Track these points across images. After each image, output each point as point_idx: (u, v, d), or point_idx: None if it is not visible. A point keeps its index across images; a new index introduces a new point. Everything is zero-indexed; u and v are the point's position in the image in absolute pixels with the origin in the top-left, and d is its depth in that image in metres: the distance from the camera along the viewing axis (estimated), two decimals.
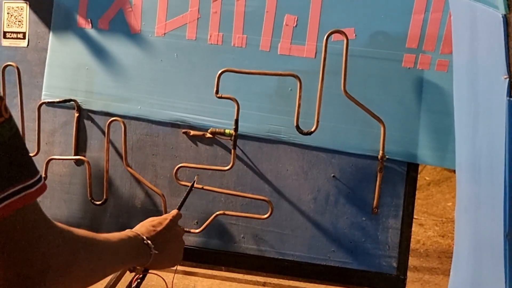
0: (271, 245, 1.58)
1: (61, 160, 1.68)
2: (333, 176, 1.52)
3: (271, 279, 1.91)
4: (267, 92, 1.52)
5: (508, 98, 0.73)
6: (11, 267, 0.56)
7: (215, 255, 1.62)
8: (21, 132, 1.62)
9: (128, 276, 1.08)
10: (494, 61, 0.79)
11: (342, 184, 1.51)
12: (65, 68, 1.66)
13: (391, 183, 1.48)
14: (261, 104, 1.52)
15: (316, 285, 1.60)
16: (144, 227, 0.92)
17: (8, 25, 1.70)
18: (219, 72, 1.43)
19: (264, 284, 2.05)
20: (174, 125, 1.61)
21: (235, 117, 1.46)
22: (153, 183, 1.62)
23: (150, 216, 0.98)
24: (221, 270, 1.75)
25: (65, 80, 1.66)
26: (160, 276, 1.19)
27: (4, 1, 1.69)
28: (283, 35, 1.50)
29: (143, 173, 1.64)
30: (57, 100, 1.65)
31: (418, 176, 1.51)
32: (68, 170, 1.70)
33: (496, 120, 0.80)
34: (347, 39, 1.37)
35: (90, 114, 1.67)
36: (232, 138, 1.49)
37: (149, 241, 0.87)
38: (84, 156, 1.65)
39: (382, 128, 1.42)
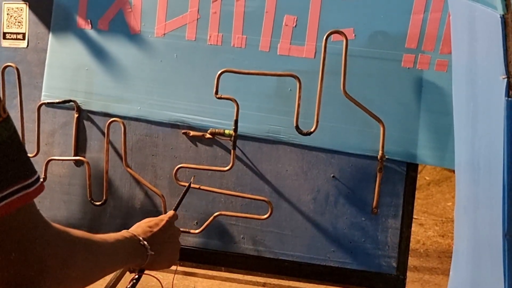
0: (270, 246, 1.58)
1: (61, 161, 1.68)
2: (333, 176, 1.52)
3: (271, 279, 1.91)
4: (267, 92, 1.52)
5: (506, 98, 0.73)
6: (9, 267, 0.56)
7: (215, 255, 1.62)
8: (21, 133, 1.63)
9: (128, 277, 1.08)
10: (492, 61, 0.79)
11: (342, 184, 1.51)
12: (64, 69, 1.66)
13: (391, 183, 1.48)
14: (261, 104, 1.52)
15: (316, 285, 1.60)
16: (140, 228, 0.92)
17: (8, 25, 1.70)
18: (219, 72, 1.43)
19: (264, 284, 2.05)
20: (173, 125, 1.61)
21: (234, 118, 1.46)
22: (152, 184, 1.62)
23: (150, 217, 0.99)
24: (221, 270, 1.76)
25: (65, 81, 1.66)
26: (156, 277, 1.19)
27: (4, 2, 1.69)
28: (283, 35, 1.50)
29: (143, 174, 1.64)
30: (57, 100, 1.65)
31: (418, 175, 1.52)
32: (67, 171, 1.70)
33: (494, 120, 0.80)
34: (347, 39, 1.37)
35: (89, 114, 1.67)
36: (232, 138, 1.49)
37: (145, 242, 0.87)
38: (84, 157, 1.66)
39: (381, 128, 1.42)
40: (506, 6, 0.72)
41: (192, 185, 1.27)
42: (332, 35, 1.38)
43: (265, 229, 1.58)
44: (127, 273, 1.04)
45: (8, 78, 1.65)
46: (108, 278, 1.67)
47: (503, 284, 0.78)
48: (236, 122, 1.46)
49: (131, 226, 0.93)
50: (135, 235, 0.87)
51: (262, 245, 1.59)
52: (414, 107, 1.43)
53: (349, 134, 1.48)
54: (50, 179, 1.66)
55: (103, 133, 1.64)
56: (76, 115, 1.66)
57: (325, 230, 1.54)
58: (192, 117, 1.58)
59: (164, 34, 1.58)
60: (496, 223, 0.80)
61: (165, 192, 1.61)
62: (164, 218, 0.98)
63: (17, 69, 1.62)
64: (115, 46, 1.62)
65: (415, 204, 1.52)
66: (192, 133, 1.59)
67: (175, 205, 1.12)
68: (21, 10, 1.69)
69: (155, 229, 0.93)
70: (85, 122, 1.67)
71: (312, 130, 1.41)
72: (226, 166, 1.52)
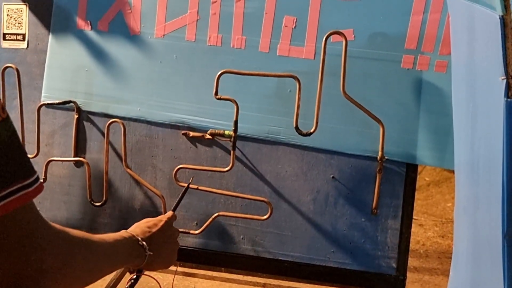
0: (270, 246, 1.58)
1: (61, 162, 1.68)
2: (333, 177, 1.52)
3: (271, 280, 1.91)
4: (267, 93, 1.52)
5: (505, 99, 0.73)
6: (9, 267, 0.56)
7: (214, 256, 1.63)
8: (21, 134, 1.63)
9: (128, 277, 1.08)
10: (492, 62, 0.79)
11: (342, 185, 1.52)
12: (64, 70, 1.66)
13: (391, 184, 1.48)
14: (261, 105, 1.52)
15: (316, 286, 1.60)
16: (139, 228, 0.92)
17: (8, 27, 1.70)
18: (219, 73, 1.43)
19: (263, 285, 2.05)
20: (173, 126, 1.61)
21: (234, 118, 1.46)
22: (152, 185, 1.63)
23: (149, 217, 0.99)
24: (220, 271, 1.76)
25: (65, 82, 1.66)
26: (154, 278, 1.19)
27: (3, 3, 1.70)
28: (282, 36, 1.50)
29: (143, 175, 1.64)
30: (57, 101, 1.65)
31: (418, 176, 1.52)
32: (67, 172, 1.70)
33: (494, 121, 0.80)
34: (346, 40, 1.37)
35: (89, 115, 1.67)
36: (232, 139, 1.49)
37: (144, 242, 0.87)
38: (84, 158, 1.66)
39: (381, 129, 1.42)
40: (505, 7, 0.72)
41: (190, 186, 1.27)
42: (331, 36, 1.38)
43: (265, 230, 1.58)
44: (127, 273, 1.04)
45: (8, 79, 1.65)
46: (108, 278, 1.67)
47: (503, 284, 0.78)
48: (236, 123, 1.47)
49: (130, 227, 0.94)
50: (134, 235, 0.87)
51: (262, 246, 1.59)
52: (414, 108, 1.43)
53: (349, 135, 1.48)
54: (50, 180, 1.66)
55: (103, 134, 1.64)
56: (76, 116, 1.66)
57: (325, 230, 1.54)
58: (192, 118, 1.58)
59: (164, 35, 1.58)
60: (495, 223, 0.80)
61: (165, 193, 1.61)
62: (163, 218, 0.98)
63: (17, 70, 1.62)
64: (115, 47, 1.62)
65: (415, 204, 1.52)
66: (192, 133, 1.59)
67: (174, 205, 1.12)
68: (21, 11, 1.69)
69: (154, 230, 0.93)
70: (85, 123, 1.67)
71: (311, 131, 1.41)
72: (226, 167, 1.52)
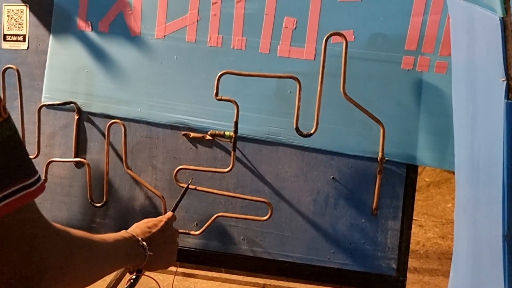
0: (270, 247, 1.58)
1: (61, 163, 1.68)
2: (333, 178, 1.52)
3: (271, 280, 1.92)
4: (267, 94, 1.52)
5: (506, 100, 0.73)
6: (9, 267, 0.56)
7: (215, 257, 1.63)
8: (21, 135, 1.63)
9: (128, 277, 1.08)
10: (492, 63, 0.79)
11: (342, 186, 1.52)
12: (65, 71, 1.66)
13: (391, 184, 1.48)
14: (261, 106, 1.53)
15: (316, 286, 1.60)
16: (139, 228, 0.92)
17: (8, 27, 1.70)
18: (219, 74, 1.43)
19: (263, 286, 2.05)
20: (174, 127, 1.61)
21: (234, 119, 1.46)
22: (153, 185, 1.63)
23: (150, 218, 0.99)
24: (220, 271, 1.76)
25: (65, 83, 1.66)
26: (154, 279, 1.19)
27: (4, 4, 1.70)
28: (283, 37, 1.50)
29: (143, 175, 1.64)
30: (57, 102, 1.65)
31: (418, 177, 1.52)
32: (68, 173, 1.70)
33: (494, 122, 0.81)
34: (346, 41, 1.37)
35: (90, 116, 1.67)
36: (232, 140, 1.49)
37: (144, 243, 0.87)
38: (84, 159, 1.66)
39: (381, 130, 1.42)
40: (505, 9, 0.72)
41: (189, 186, 1.28)
42: (332, 37, 1.38)
43: (265, 231, 1.58)
44: (127, 274, 1.04)
45: (8, 80, 1.65)
46: (108, 279, 1.68)
47: (503, 286, 0.78)
48: (236, 123, 1.47)
49: (130, 227, 0.94)
50: (134, 236, 0.87)
51: (262, 246, 1.59)
52: (414, 108, 1.44)
53: (349, 135, 1.48)
54: (50, 180, 1.67)
55: (103, 135, 1.64)
56: (76, 117, 1.66)
57: (325, 231, 1.54)
58: (192, 118, 1.58)
59: (164, 36, 1.58)
60: (495, 224, 0.80)
61: (165, 194, 1.61)
62: (162, 219, 0.98)
63: (18, 71, 1.62)
64: (115, 48, 1.62)
65: (414, 205, 1.52)
66: (192, 134, 1.59)
67: (173, 206, 1.13)
68: (22, 12, 1.69)
69: (153, 230, 0.93)
70: (85, 123, 1.68)
71: (312, 131, 1.41)
72: (226, 168, 1.52)
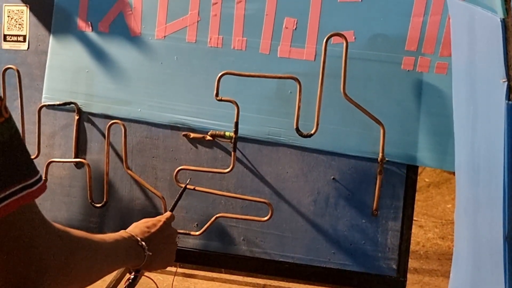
0: (271, 247, 1.58)
1: (61, 163, 1.68)
2: (333, 179, 1.52)
3: (271, 281, 1.92)
4: (267, 94, 1.52)
5: (506, 101, 0.74)
6: (10, 267, 0.56)
7: (215, 257, 1.63)
8: (21, 135, 1.63)
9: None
10: (492, 64, 0.79)
11: (342, 186, 1.52)
12: (65, 71, 1.66)
13: (391, 185, 1.48)
14: (261, 106, 1.53)
15: (316, 287, 1.60)
16: (138, 228, 0.92)
17: (9, 28, 1.70)
18: (219, 74, 1.43)
19: (263, 286, 2.05)
20: (174, 127, 1.61)
21: (235, 120, 1.46)
22: (153, 186, 1.63)
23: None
24: (221, 272, 1.76)
25: (65, 83, 1.66)
26: (153, 280, 1.19)
27: (4, 4, 1.70)
28: (283, 38, 1.50)
29: (143, 176, 1.64)
30: (57, 103, 1.65)
31: (418, 178, 1.52)
32: (68, 173, 1.70)
33: (494, 123, 0.81)
34: (347, 42, 1.37)
35: (90, 116, 1.67)
36: (232, 140, 1.49)
37: (143, 243, 0.87)
38: (84, 159, 1.66)
39: (381, 131, 1.42)
40: (506, 10, 0.72)
41: (188, 186, 1.28)
42: (332, 38, 1.38)
43: (265, 231, 1.58)
44: (127, 274, 1.04)
45: (8, 80, 1.65)
46: (108, 279, 1.68)
47: (504, 286, 0.78)
48: (236, 124, 1.47)
49: (129, 227, 0.94)
50: (133, 236, 0.87)
51: (262, 247, 1.59)
52: (414, 109, 1.44)
53: (349, 136, 1.48)
54: (50, 181, 1.66)
55: (103, 135, 1.64)
56: (76, 117, 1.66)
57: (325, 232, 1.54)
58: (193, 119, 1.58)
59: (165, 36, 1.58)
60: (496, 225, 0.80)
61: (165, 194, 1.61)
62: (161, 219, 0.99)
63: (18, 71, 1.62)
64: (115, 48, 1.62)
65: (414, 206, 1.52)
66: (192, 135, 1.59)
67: (172, 206, 1.13)
68: (22, 12, 1.69)
69: (152, 230, 0.94)
70: (85, 124, 1.68)
71: (312, 132, 1.41)
72: (226, 168, 1.52)
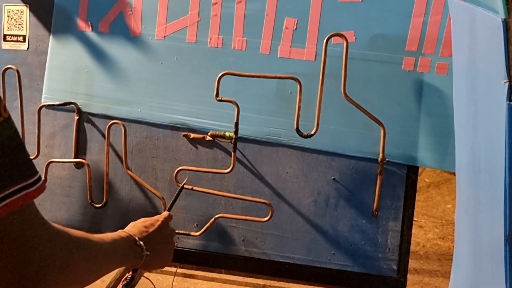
0: (271, 248, 1.58)
1: (61, 163, 1.68)
2: (333, 179, 1.52)
3: (271, 281, 1.91)
4: (267, 95, 1.52)
5: (508, 102, 0.73)
6: (9, 267, 0.56)
7: (215, 257, 1.62)
8: (21, 135, 1.63)
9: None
10: (493, 64, 0.79)
11: (342, 187, 1.51)
12: (65, 71, 1.66)
13: (391, 185, 1.48)
14: (261, 107, 1.52)
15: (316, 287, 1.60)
16: (136, 228, 0.92)
17: (8, 28, 1.70)
18: (219, 75, 1.43)
19: (263, 286, 2.05)
20: (174, 128, 1.61)
21: (235, 120, 1.46)
22: (153, 186, 1.62)
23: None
24: (220, 272, 1.75)
25: (65, 83, 1.66)
26: (150, 280, 1.19)
27: (4, 4, 1.70)
28: (283, 38, 1.50)
29: (143, 176, 1.64)
30: (57, 103, 1.65)
31: (418, 178, 1.51)
32: (68, 173, 1.70)
33: (495, 123, 0.80)
34: (347, 42, 1.37)
35: (90, 117, 1.67)
36: (232, 141, 1.49)
37: (141, 242, 0.87)
38: (84, 159, 1.66)
39: (382, 131, 1.42)
40: (508, 10, 0.72)
41: (185, 186, 1.27)
42: (332, 38, 1.38)
43: (265, 232, 1.58)
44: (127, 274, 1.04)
45: (8, 81, 1.65)
46: (108, 280, 1.67)
47: (504, 287, 0.78)
48: (236, 124, 1.47)
49: (127, 226, 0.94)
50: (131, 235, 0.87)
51: (262, 248, 1.59)
52: (415, 109, 1.43)
53: (350, 136, 1.48)
54: (50, 181, 1.66)
55: (103, 135, 1.64)
56: (76, 117, 1.66)
57: (325, 232, 1.54)
58: (193, 119, 1.58)
59: (165, 36, 1.58)
60: (497, 226, 0.80)
61: (165, 195, 1.61)
62: (159, 218, 0.98)
63: (18, 71, 1.62)
64: (115, 49, 1.62)
65: (415, 206, 1.52)
66: (192, 135, 1.59)
67: (169, 205, 1.13)
68: (22, 12, 1.69)
69: (150, 230, 0.93)
70: (85, 124, 1.67)
71: (312, 132, 1.41)
72: (226, 169, 1.52)
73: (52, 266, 0.60)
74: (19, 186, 0.55)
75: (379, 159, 1.44)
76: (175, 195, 1.16)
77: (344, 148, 1.49)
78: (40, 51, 1.68)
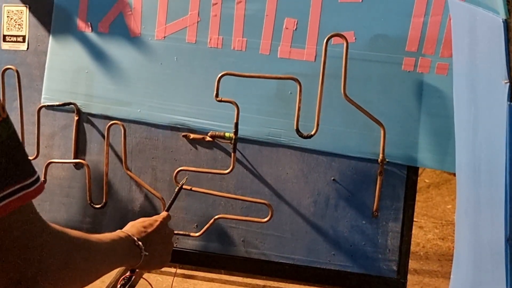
0: (271, 249, 1.58)
1: (61, 164, 1.68)
2: (333, 180, 1.52)
3: (271, 282, 1.91)
4: (267, 95, 1.52)
5: (508, 102, 0.73)
6: (8, 267, 0.56)
7: (214, 258, 1.62)
8: (20, 136, 1.63)
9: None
10: (494, 65, 0.79)
11: (342, 188, 1.51)
12: (64, 72, 1.66)
13: (391, 186, 1.48)
14: (261, 107, 1.52)
15: None
16: (135, 228, 0.92)
17: (8, 28, 1.70)
18: (219, 75, 1.43)
19: (263, 287, 2.04)
20: (174, 128, 1.61)
21: (235, 121, 1.46)
22: (152, 187, 1.62)
23: None
24: (220, 273, 1.75)
25: (65, 84, 1.66)
26: (147, 280, 1.19)
27: (4, 5, 1.69)
28: (283, 38, 1.50)
29: (143, 177, 1.64)
30: (57, 103, 1.65)
31: (418, 178, 1.51)
32: (67, 174, 1.69)
33: (496, 124, 0.80)
34: (347, 43, 1.37)
35: (89, 117, 1.66)
36: (232, 141, 1.48)
37: (140, 243, 0.87)
38: (84, 160, 1.65)
39: (382, 131, 1.42)
40: (508, 10, 0.72)
41: (184, 187, 1.27)
42: (332, 38, 1.38)
43: (265, 232, 1.58)
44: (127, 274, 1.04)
45: (8, 81, 1.64)
46: (107, 280, 1.67)
47: None
48: (236, 125, 1.46)
49: (126, 226, 0.94)
50: (130, 235, 0.87)
51: (262, 248, 1.59)
52: (415, 110, 1.43)
53: (350, 137, 1.48)
54: (50, 181, 1.66)
55: (103, 136, 1.64)
56: (76, 118, 1.66)
57: (325, 233, 1.54)
58: (192, 120, 1.58)
59: (165, 37, 1.58)
60: (497, 227, 0.80)
61: (165, 195, 1.60)
62: (158, 218, 0.98)
63: (17, 72, 1.61)
64: (115, 49, 1.62)
65: (415, 207, 1.52)
66: (192, 136, 1.59)
67: (167, 205, 1.12)
68: (21, 12, 1.69)
69: (149, 230, 0.93)
70: (85, 124, 1.67)
71: (312, 133, 1.41)
72: (226, 169, 1.52)
73: (52, 266, 0.60)
74: (18, 186, 0.55)
75: (379, 160, 1.44)
76: (173, 195, 1.16)
77: (344, 149, 1.49)
78: (39, 52, 1.68)
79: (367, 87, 1.45)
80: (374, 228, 1.50)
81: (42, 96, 1.67)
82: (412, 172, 1.47)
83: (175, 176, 1.56)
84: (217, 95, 1.43)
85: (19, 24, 1.69)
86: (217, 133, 1.54)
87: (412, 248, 2.68)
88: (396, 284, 1.51)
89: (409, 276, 1.54)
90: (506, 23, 0.73)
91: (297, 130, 1.41)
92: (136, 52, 1.60)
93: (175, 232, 1.45)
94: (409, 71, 1.43)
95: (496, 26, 0.75)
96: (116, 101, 1.63)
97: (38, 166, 1.60)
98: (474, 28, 0.97)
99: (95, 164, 1.65)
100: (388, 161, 1.44)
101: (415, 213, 1.53)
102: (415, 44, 1.41)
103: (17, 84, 1.62)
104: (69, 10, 1.64)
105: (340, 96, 1.38)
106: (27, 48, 1.69)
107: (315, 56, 1.48)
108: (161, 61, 1.59)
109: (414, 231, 2.93)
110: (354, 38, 1.44)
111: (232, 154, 1.49)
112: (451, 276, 1.25)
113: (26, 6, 1.68)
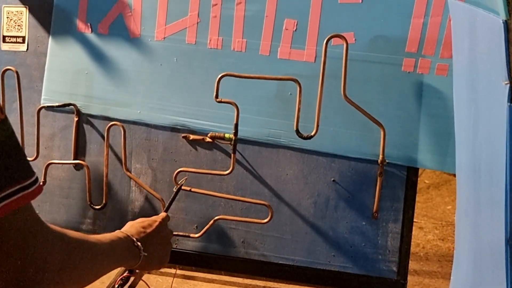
0: (270, 250, 1.58)
1: (60, 165, 1.68)
2: (333, 180, 1.52)
3: (271, 283, 1.91)
4: (267, 96, 1.52)
5: (508, 103, 0.73)
6: (7, 268, 0.56)
7: (214, 259, 1.62)
8: (20, 137, 1.63)
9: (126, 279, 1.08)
10: (494, 66, 0.79)
11: (342, 189, 1.51)
12: (64, 73, 1.66)
13: (391, 187, 1.48)
14: (261, 108, 1.52)
15: None
16: (134, 228, 0.92)
17: (8, 29, 1.70)
18: (219, 76, 1.43)
19: None
20: (173, 129, 1.60)
21: (234, 122, 1.46)
22: (152, 188, 1.62)
23: None
24: (220, 274, 1.75)
25: (65, 85, 1.66)
26: (147, 283, 1.19)
27: (3, 5, 1.69)
28: (283, 39, 1.50)
29: (143, 178, 1.64)
30: (57, 104, 1.65)
31: (418, 179, 1.51)
32: (67, 175, 1.69)
33: (496, 125, 0.80)
34: (347, 43, 1.37)
35: (89, 118, 1.66)
36: (232, 142, 1.48)
37: (139, 243, 0.87)
38: (84, 161, 1.65)
39: (382, 132, 1.42)
40: (508, 11, 0.72)
41: (183, 188, 1.27)
42: (332, 39, 1.37)
43: (265, 233, 1.57)
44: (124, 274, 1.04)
45: (7, 82, 1.64)
46: (107, 280, 1.67)
47: None
48: (236, 126, 1.46)
49: (124, 226, 0.93)
50: (129, 236, 0.87)
51: (262, 249, 1.58)
52: (415, 111, 1.43)
53: (350, 138, 1.48)
54: (49, 182, 1.66)
55: (102, 137, 1.63)
56: (75, 119, 1.66)
57: (325, 234, 1.54)
58: (192, 120, 1.58)
59: (164, 37, 1.58)
60: (497, 228, 0.80)
61: (165, 196, 1.60)
62: (157, 219, 0.98)
63: (17, 73, 1.61)
64: (115, 50, 1.62)
65: (415, 207, 1.52)
66: (192, 137, 1.58)
67: (166, 206, 1.12)
68: (21, 13, 1.69)
69: (148, 230, 0.93)
70: (84, 125, 1.67)
71: (312, 134, 1.41)
72: (226, 170, 1.51)
73: (51, 267, 0.60)
74: (16, 187, 0.55)
75: (379, 161, 1.44)
76: (172, 195, 1.16)
77: (344, 150, 1.49)
78: (39, 53, 1.68)
79: (367, 88, 1.45)
80: (374, 229, 1.50)
81: (42, 97, 1.67)
82: (412, 173, 1.47)
83: (175, 177, 1.56)
84: (217, 96, 1.43)
85: (18, 25, 1.69)
86: (217, 134, 1.54)
87: (412, 249, 2.68)
88: (396, 285, 1.50)
89: (409, 277, 1.54)
90: (506, 24, 0.73)
91: (297, 131, 1.41)
92: (136, 53, 1.60)
93: (175, 233, 1.46)
94: (409, 72, 1.43)
95: (496, 27, 0.75)
96: (116, 102, 1.62)
97: (38, 167, 1.60)
98: (474, 29, 0.97)
99: (95, 165, 1.65)
100: (388, 162, 1.44)
101: (415, 214, 1.53)
102: (415, 45, 1.41)
103: (16, 85, 1.61)
104: (69, 11, 1.64)
105: (340, 97, 1.38)
106: (27, 49, 1.69)
107: (315, 57, 1.48)
108: (161, 62, 1.59)
109: (414, 232, 2.93)
110: (354, 39, 1.44)
111: (232, 155, 1.49)
112: (451, 276, 1.25)
113: (25, 7, 1.68)
